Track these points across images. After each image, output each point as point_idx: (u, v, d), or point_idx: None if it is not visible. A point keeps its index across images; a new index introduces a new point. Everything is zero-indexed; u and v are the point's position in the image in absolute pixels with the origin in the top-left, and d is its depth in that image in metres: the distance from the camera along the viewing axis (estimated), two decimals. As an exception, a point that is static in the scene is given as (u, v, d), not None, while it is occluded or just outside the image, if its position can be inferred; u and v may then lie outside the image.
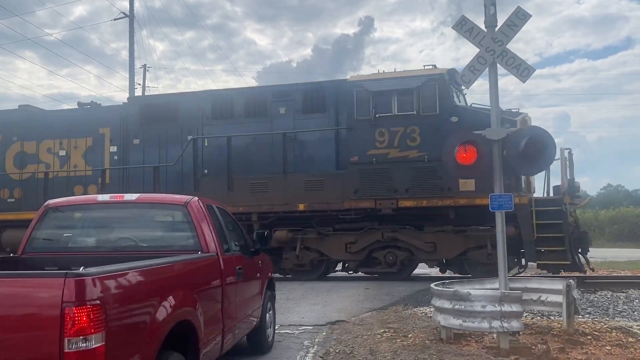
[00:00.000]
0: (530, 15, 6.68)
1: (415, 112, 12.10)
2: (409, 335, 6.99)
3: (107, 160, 14.21)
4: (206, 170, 13.43)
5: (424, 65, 12.90)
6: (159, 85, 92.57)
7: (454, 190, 11.76)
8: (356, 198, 12.26)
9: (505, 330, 6.08)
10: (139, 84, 32.50)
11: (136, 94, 25.97)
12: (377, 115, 12.27)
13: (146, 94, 33.49)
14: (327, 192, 12.47)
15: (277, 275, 13.61)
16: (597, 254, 18.28)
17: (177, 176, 13.37)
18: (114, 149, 14.21)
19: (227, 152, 13.00)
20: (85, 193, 13.68)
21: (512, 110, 12.43)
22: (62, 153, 14.52)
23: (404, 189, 12.05)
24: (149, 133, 13.93)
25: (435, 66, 12.70)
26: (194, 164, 13.26)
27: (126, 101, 15.32)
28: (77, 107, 16.02)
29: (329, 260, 13.07)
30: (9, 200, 14.59)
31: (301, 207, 12.56)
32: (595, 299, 9.52)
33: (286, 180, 12.68)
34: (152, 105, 14.33)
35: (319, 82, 13.85)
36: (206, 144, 13.53)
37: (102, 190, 13.46)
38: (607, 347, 6.33)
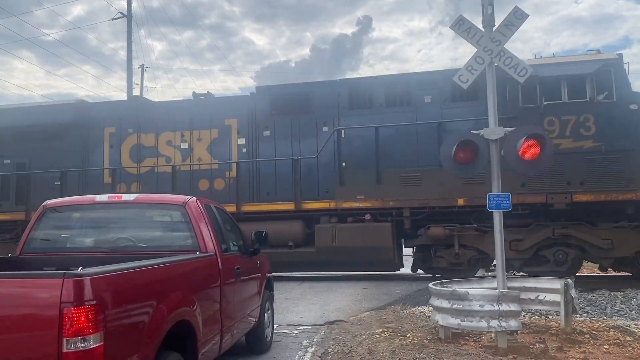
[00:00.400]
0: (528, 15, 6.69)
1: (588, 100, 11.38)
2: (408, 335, 6.99)
3: (235, 153, 13.55)
4: (344, 163, 12.68)
5: (587, 51, 12.18)
6: (157, 85, 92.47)
7: (636, 183, 11.01)
8: (524, 192, 11.32)
9: (503, 329, 6.10)
10: (137, 84, 32.49)
11: (134, 94, 25.91)
12: (545, 103, 11.49)
13: (144, 94, 33.51)
14: (489, 186, 11.89)
15: (420, 272, 12.90)
16: None
17: (310, 169, 12.91)
18: (241, 141, 13.58)
19: (375, 143, 12.36)
20: (211, 187, 13.35)
21: None
22: (184, 146, 13.83)
23: (578, 182, 11.18)
24: (280, 124, 13.32)
25: (599, 51, 12.00)
26: (337, 156, 12.72)
27: (254, 91, 14.32)
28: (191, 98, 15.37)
29: (488, 258, 12.21)
30: None
31: (460, 202, 11.85)
32: (593, 298, 9.52)
33: (442, 174, 11.55)
34: (283, 95, 13.60)
35: None
36: (343, 135, 12.84)
37: (236, 185, 12.99)
38: (604, 346, 6.34)
